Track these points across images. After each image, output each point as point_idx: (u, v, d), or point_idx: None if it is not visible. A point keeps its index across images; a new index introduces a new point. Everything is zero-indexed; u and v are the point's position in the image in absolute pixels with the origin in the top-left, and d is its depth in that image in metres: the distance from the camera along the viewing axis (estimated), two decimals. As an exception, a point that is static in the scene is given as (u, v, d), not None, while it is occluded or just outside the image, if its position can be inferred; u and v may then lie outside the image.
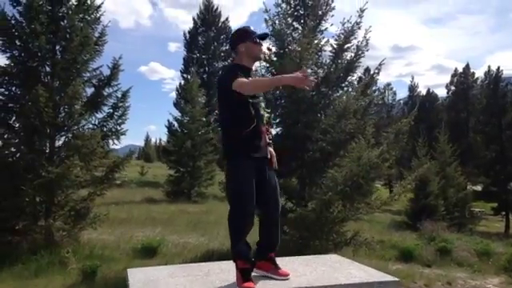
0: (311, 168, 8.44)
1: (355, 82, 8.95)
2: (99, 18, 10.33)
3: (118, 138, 10.63)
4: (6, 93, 9.15)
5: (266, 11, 8.68)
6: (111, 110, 10.42)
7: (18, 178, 8.80)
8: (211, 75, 33.84)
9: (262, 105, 3.70)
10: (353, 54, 8.68)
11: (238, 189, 3.32)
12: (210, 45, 34.38)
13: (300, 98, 8.03)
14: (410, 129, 8.70)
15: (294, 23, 9.00)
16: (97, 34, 10.28)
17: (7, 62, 9.08)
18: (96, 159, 9.76)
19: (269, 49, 8.60)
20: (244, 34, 3.65)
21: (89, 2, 9.92)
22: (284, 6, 8.95)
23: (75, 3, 9.85)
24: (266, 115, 3.68)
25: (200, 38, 35.29)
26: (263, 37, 3.67)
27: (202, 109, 24.45)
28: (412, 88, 56.56)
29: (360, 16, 8.83)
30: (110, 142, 10.51)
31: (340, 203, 7.78)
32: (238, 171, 3.35)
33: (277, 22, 8.65)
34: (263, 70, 8.71)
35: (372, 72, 9.01)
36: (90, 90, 10.26)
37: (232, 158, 3.42)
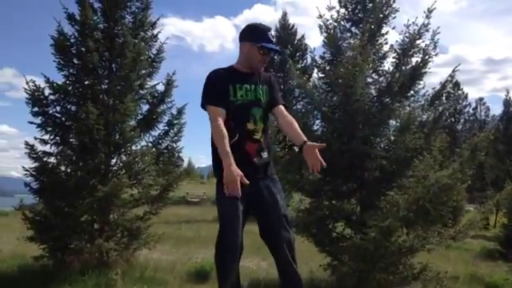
0: (371, 189, 7.42)
1: (423, 92, 7.81)
2: (156, 35, 10.24)
3: (173, 156, 10.36)
4: (63, 110, 9.23)
5: (320, 17, 7.90)
6: (166, 128, 10.19)
7: (70, 196, 8.75)
8: (287, 93, 33.39)
9: (254, 110, 3.06)
10: (419, 59, 7.59)
11: (219, 213, 2.86)
12: (286, 63, 34.04)
13: (356, 109, 7.10)
14: (508, 148, 7.36)
15: (352, 28, 8.12)
16: (154, 51, 10.18)
17: (63, 80, 9.16)
18: (150, 178, 9.50)
19: (322, 57, 7.80)
20: (253, 33, 3.12)
21: (144, 18, 9.84)
22: (341, 10, 8.10)
23: (131, 20, 9.83)
24: (259, 116, 3.12)
25: (276, 57, 35.08)
26: (270, 49, 3.13)
27: (276, 126, 23.88)
28: (507, 102, 51.87)
29: (428, 17, 7.75)
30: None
31: (403, 231, 6.69)
32: (218, 192, 2.87)
33: (331, 27, 7.81)
34: (316, 81, 7.91)
35: (444, 80, 7.82)
36: (145, 107, 10.11)
37: (216, 176, 3.01)
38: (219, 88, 3.01)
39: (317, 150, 2.92)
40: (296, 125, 3.21)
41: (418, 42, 7.77)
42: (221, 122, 2.88)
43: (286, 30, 38.10)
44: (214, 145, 2.93)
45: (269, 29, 3.10)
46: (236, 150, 2.85)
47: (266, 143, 3.14)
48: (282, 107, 3.24)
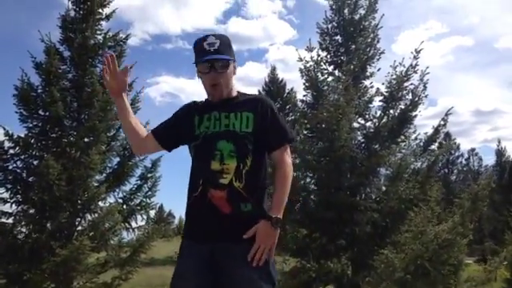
0: (362, 247, 6.54)
1: (413, 137, 7.13)
2: (131, 84, 9.66)
3: (147, 213, 9.48)
4: (24, 165, 8.43)
5: (300, 60, 7.35)
6: (139, 182, 9.37)
7: (26, 261, 7.78)
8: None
9: (220, 144, 2.20)
10: (408, 102, 6.98)
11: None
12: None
13: (341, 155, 6.37)
14: (504, 198, 6.62)
15: (335, 71, 7.57)
16: (128, 101, 9.56)
17: (26, 132, 8.44)
18: (116, 238, 8.58)
19: (303, 101, 7.17)
20: (194, 51, 2.28)
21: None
22: (321, 52, 7.59)
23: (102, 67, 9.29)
24: (228, 152, 2.16)
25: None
26: (206, 62, 2.19)
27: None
28: (499, 153, 51.55)
29: (415, 57, 7.25)
30: (139, 217, 9.37)
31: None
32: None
33: (311, 68, 7.24)
34: (296, 125, 7.23)
35: (437, 124, 7.18)
36: (116, 160, 9.33)
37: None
38: (178, 120, 2.33)
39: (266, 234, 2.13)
40: (282, 187, 2.25)
41: (405, 84, 7.21)
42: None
43: (275, 83, 38.11)
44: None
45: (204, 38, 2.30)
46: (200, 200, 2.11)
47: (251, 189, 2.13)
48: (279, 155, 2.27)
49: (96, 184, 8.50)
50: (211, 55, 2.15)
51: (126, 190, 9.25)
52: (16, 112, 8.44)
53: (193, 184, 2.15)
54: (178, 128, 2.27)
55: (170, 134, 2.28)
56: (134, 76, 9.74)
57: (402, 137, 7.05)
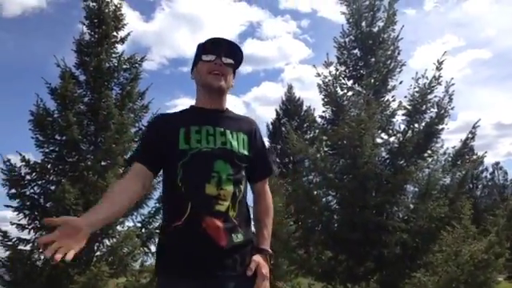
0: (392, 270, 6.17)
1: (441, 152, 6.79)
2: (147, 105, 9.57)
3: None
4: (41, 191, 8.33)
5: (318, 75, 7.13)
6: (158, 205, 9.17)
7: (43, 289, 7.60)
8: (295, 164, 32.51)
9: (218, 164, 1.89)
10: (433, 115, 6.67)
11: None
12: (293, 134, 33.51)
13: (365, 173, 6.06)
14: None
15: (355, 86, 7.31)
16: (145, 123, 9.46)
17: (42, 158, 8.36)
18: (135, 263, 8.35)
19: (322, 117, 6.92)
20: (196, 54, 2.04)
21: (132, 89, 9.20)
22: (340, 67, 7.35)
23: (119, 91, 9.21)
24: (226, 175, 1.86)
25: (284, 129, 34.61)
26: (210, 47, 1.95)
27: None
28: (526, 165, 50.31)
29: (438, 69, 6.95)
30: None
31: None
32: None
33: (330, 84, 7.01)
34: (316, 142, 6.96)
35: (465, 138, 6.84)
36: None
37: (157, 274, 1.87)
38: (159, 135, 1.90)
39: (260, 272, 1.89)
40: (269, 218, 2.03)
41: (429, 96, 6.91)
42: (126, 180, 1.81)
43: (292, 102, 37.93)
44: (164, 225, 1.88)
45: (210, 39, 2.00)
46: (188, 229, 1.76)
47: (241, 218, 1.88)
48: (262, 186, 2.09)
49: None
50: (222, 45, 1.94)
51: (145, 214, 9.07)
52: (32, 137, 8.37)
53: (175, 210, 1.78)
54: (160, 143, 1.85)
55: (154, 153, 1.86)
56: (150, 97, 9.67)
57: (429, 151, 6.71)
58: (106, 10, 9.24)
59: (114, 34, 9.53)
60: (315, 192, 7.06)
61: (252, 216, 2.03)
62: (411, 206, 6.30)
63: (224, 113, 2.00)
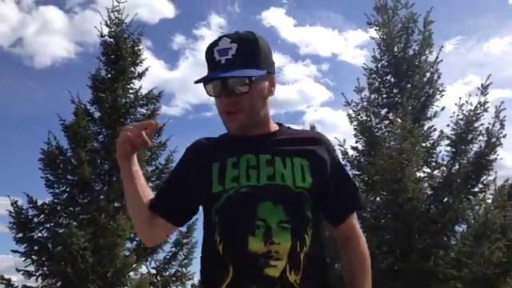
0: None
1: (494, 185, 5.96)
2: (165, 143, 9.08)
3: (183, 285, 8.52)
4: (49, 235, 7.77)
5: (348, 104, 6.50)
6: (174, 249, 8.48)
7: None
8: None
9: (264, 207, 1.27)
10: (483, 144, 5.90)
11: None
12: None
13: (409, 211, 5.25)
14: None
15: (389, 114, 6.63)
16: (163, 161, 8.94)
17: (51, 199, 7.87)
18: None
19: (354, 148, 6.21)
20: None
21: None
22: (371, 95, 6.71)
23: (139, 117, 8.80)
24: (277, 222, 1.25)
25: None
26: (211, 64, 1.35)
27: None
28: None
29: (483, 94, 6.23)
30: (174, 289, 8.42)
31: None
32: None
33: (362, 113, 6.35)
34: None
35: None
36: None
37: None
38: (188, 173, 1.40)
39: None
40: (363, 279, 1.33)
41: (475, 124, 6.17)
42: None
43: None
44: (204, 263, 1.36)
45: (215, 41, 1.34)
46: None
47: (310, 283, 1.25)
48: (349, 228, 1.42)
49: (126, 253, 7.67)
50: (218, 72, 1.30)
51: (160, 259, 8.43)
52: (42, 177, 7.91)
53: (213, 275, 1.27)
54: (185, 187, 1.38)
55: (176, 201, 1.40)
56: (173, 143, 9.27)
57: (480, 186, 5.89)
58: (124, 46, 8.90)
59: (132, 69, 9.16)
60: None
61: (343, 275, 1.38)
62: (463, 250, 5.40)
63: (273, 134, 1.39)
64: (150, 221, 1.38)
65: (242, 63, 1.27)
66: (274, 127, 1.39)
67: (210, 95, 1.33)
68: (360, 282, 1.33)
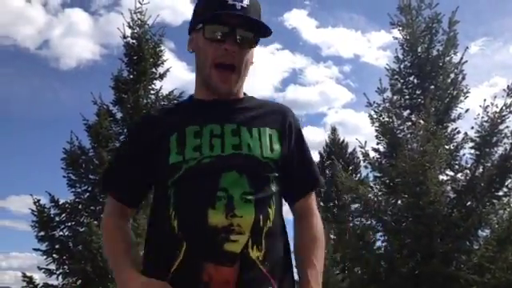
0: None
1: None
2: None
3: None
4: (70, 234, 7.88)
5: (370, 105, 6.42)
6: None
7: None
8: (340, 209, 31.25)
9: (228, 177, 1.15)
10: (508, 147, 5.76)
11: None
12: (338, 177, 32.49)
13: (431, 214, 5.16)
14: None
15: (411, 116, 6.53)
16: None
17: (73, 198, 7.98)
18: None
19: (375, 150, 6.13)
20: (195, 13, 1.28)
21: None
22: (394, 96, 6.62)
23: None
24: (241, 194, 1.14)
25: (327, 172, 33.69)
26: (216, 5, 1.18)
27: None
28: None
29: (509, 95, 6.09)
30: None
31: None
32: None
33: (384, 114, 6.26)
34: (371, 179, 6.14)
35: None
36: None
37: None
38: (140, 146, 1.25)
39: None
40: (315, 254, 1.25)
41: (500, 126, 6.03)
42: (115, 223, 1.25)
43: (336, 145, 37.15)
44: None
45: None
46: (180, 285, 1.09)
47: (274, 261, 1.17)
48: (306, 205, 1.33)
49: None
50: (236, 11, 1.17)
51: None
52: (64, 176, 8.04)
53: (160, 256, 1.14)
54: (140, 160, 1.24)
55: (131, 179, 1.27)
56: None
57: (505, 190, 5.75)
58: (146, 47, 8.99)
59: (153, 70, 9.25)
60: (366, 237, 6.17)
61: (293, 252, 1.29)
62: (486, 254, 5.27)
63: (240, 102, 1.30)
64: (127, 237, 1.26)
65: (256, 16, 1.21)
66: (241, 93, 1.32)
67: (209, 37, 1.20)
68: (309, 255, 1.24)
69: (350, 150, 36.91)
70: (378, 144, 6.29)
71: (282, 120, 1.29)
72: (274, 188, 1.20)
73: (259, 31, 1.23)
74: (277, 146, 1.22)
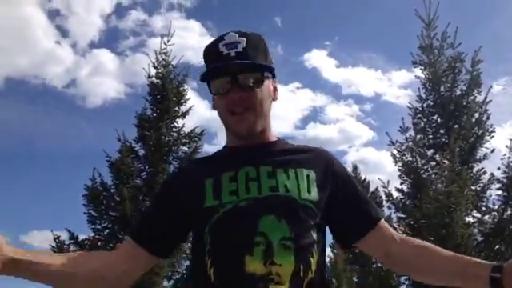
0: None
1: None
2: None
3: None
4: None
5: (392, 143, 6.35)
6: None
7: None
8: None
9: (266, 221, 1.08)
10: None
11: None
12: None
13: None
14: None
15: (435, 155, 6.41)
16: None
17: (92, 235, 7.99)
18: None
19: (399, 190, 6.00)
20: (204, 73, 1.23)
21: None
22: (417, 135, 6.53)
23: (177, 165, 8.91)
24: (280, 239, 1.06)
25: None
26: (214, 57, 1.20)
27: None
28: None
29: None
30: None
31: None
32: None
33: (407, 153, 6.17)
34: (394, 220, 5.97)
35: None
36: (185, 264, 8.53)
37: None
38: (173, 196, 1.22)
39: None
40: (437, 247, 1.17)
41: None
42: (108, 253, 1.24)
43: (357, 183, 36.81)
44: None
45: (220, 37, 1.22)
46: None
47: None
48: (386, 230, 1.24)
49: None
50: (230, 61, 1.17)
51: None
52: (85, 213, 8.08)
53: None
54: (173, 211, 1.19)
55: (161, 228, 1.20)
56: None
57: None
58: (169, 86, 9.19)
59: (176, 108, 9.40)
60: (390, 280, 5.95)
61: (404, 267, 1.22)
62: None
63: (273, 145, 1.26)
64: (111, 263, 1.18)
65: (253, 56, 1.17)
66: (273, 137, 1.27)
67: (216, 93, 1.19)
68: (440, 249, 1.17)
69: (371, 188, 36.41)
70: (401, 184, 6.18)
71: (319, 162, 1.23)
72: (314, 235, 1.12)
73: (265, 67, 1.20)
74: (314, 188, 1.16)
